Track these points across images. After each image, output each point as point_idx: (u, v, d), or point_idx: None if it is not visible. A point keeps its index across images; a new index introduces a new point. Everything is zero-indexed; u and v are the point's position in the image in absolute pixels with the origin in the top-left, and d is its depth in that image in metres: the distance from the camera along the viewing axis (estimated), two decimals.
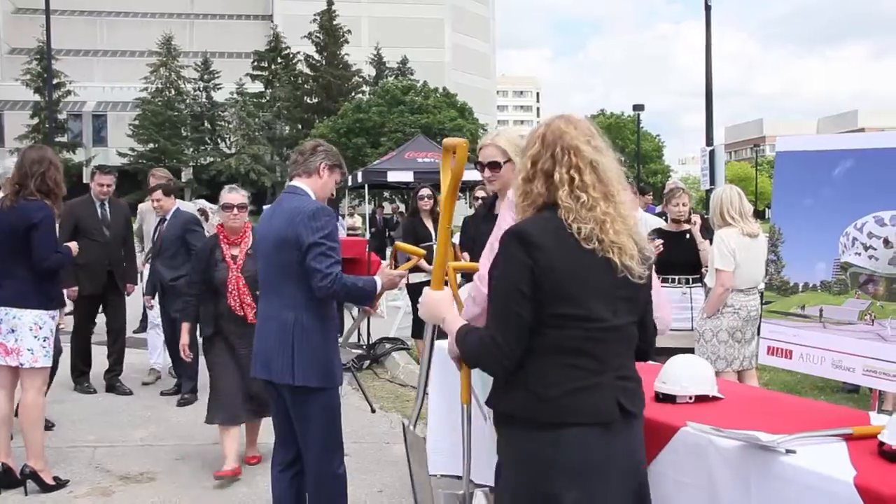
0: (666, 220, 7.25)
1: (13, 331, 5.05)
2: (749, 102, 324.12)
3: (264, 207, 6.94)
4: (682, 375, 3.43)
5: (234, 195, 5.58)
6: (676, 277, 6.52)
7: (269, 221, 3.97)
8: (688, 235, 6.64)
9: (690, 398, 3.38)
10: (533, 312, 2.42)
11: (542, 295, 2.41)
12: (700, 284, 6.52)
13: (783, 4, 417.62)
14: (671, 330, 6.47)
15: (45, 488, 5.13)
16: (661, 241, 6.32)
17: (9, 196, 5.11)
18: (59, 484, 5.22)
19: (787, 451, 2.62)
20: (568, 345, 2.44)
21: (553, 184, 2.51)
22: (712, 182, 15.61)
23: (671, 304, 6.54)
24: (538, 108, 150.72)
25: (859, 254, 3.51)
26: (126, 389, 7.80)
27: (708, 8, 18.35)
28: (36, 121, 51.94)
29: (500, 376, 2.56)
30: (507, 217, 3.00)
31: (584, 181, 2.49)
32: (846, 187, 3.56)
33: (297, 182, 3.99)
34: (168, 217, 7.69)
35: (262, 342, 3.95)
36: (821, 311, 3.65)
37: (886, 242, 3.43)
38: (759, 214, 15.93)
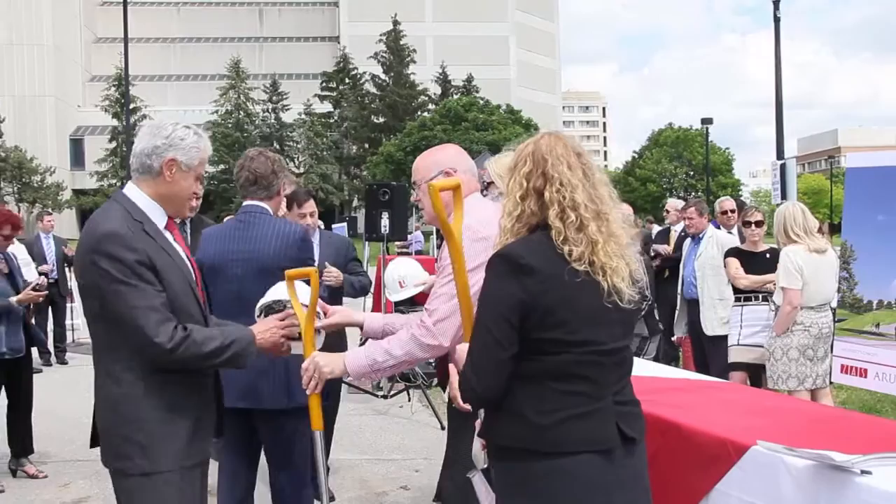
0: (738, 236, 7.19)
1: None
2: (823, 113, 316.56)
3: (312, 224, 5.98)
4: None
5: None
6: (761, 295, 6.42)
7: (240, 243, 3.85)
8: (768, 255, 6.51)
9: None
10: (518, 342, 2.31)
11: (533, 321, 2.29)
12: None
13: (855, 12, 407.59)
14: (750, 346, 6.37)
15: None
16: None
17: None
18: None
19: (863, 472, 2.58)
20: (563, 370, 2.32)
21: (544, 203, 2.38)
22: (784, 196, 15.30)
23: (760, 321, 6.45)
24: (604, 123, 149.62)
25: None
26: None
27: (777, 20, 18.04)
28: (114, 145, 53.64)
29: (475, 407, 2.50)
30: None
31: (576, 200, 2.36)
32: None
33: (257, 202, 3.92)
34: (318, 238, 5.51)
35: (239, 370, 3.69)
36: None
37: None
38: (834, 228, 15.57)
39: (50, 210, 16.27)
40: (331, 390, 5.19)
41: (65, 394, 8.82)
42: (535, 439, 2.31)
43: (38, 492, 5.79)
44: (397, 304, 7.78)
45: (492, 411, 2.43)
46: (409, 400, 8.30)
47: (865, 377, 3.67)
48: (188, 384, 2.85)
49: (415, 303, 6.67)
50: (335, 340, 4.02)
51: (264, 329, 3.03)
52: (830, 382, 5.68)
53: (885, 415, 6.96)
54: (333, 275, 5.20)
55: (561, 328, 2.30)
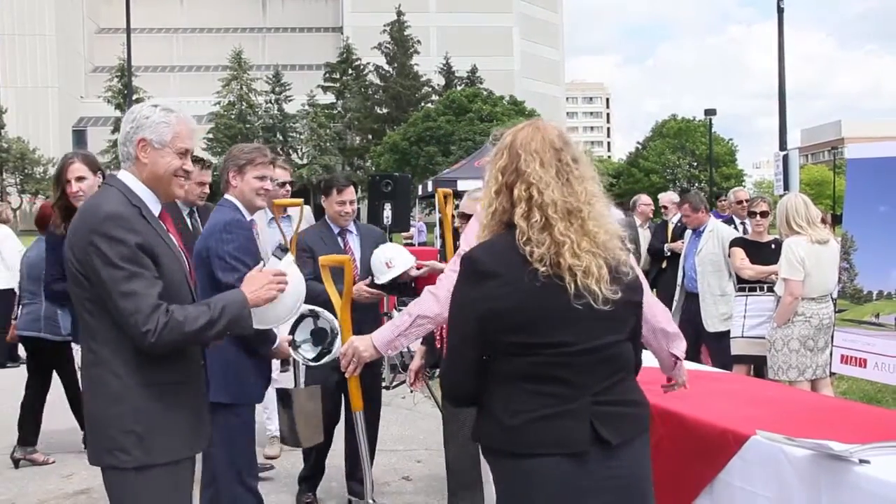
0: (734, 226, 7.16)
1: None
2: (827, 104, 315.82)
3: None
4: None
5: None
6: (766, 286, 6.37)
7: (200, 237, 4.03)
8: (773, 245, 6.47)
9: None
10: (483, 346, 2.30)
11: (495, 325, 2.26)
12: None
13: (860, 2, 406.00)
14: (754, 338, 6.35)
15: None
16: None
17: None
18: None
19: (861, 462, 2.59)
20: (532, 371, 2.27)
21: (513, 200, 2.31)
22: (786, 187, 15.32)
23: (764, 313, 6.38)
24: (608, 114, 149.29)
25: None
26: None
27: (780, 10, 17.95)
28: (117, 136, 53.63)
29: (453, 404, 2.57)
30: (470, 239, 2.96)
31: (544, 199, 2.26)
32: None
33: (225, 195, 3.99)
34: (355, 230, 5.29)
35: None
36: None
37: None
38: (837, 219, 15.55)
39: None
40: (374, 396, 5.26)
41: None
42: (505, 439, 2.30)
43: (41, 482, 5.81)
44: (391, 291, 7.71)
45: (477, 409, 2.43)
46: (412, 391, 8.31)
47: (865, 367, 3.68)
48: (186, 373, 2.79)
49: (414, 292, 6.67)
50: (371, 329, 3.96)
51: (258, 285, 2.86)
52: (831, 373, 5.69)
53: (886, 405, 6.97)
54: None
55: (524, 331, 2.25)
